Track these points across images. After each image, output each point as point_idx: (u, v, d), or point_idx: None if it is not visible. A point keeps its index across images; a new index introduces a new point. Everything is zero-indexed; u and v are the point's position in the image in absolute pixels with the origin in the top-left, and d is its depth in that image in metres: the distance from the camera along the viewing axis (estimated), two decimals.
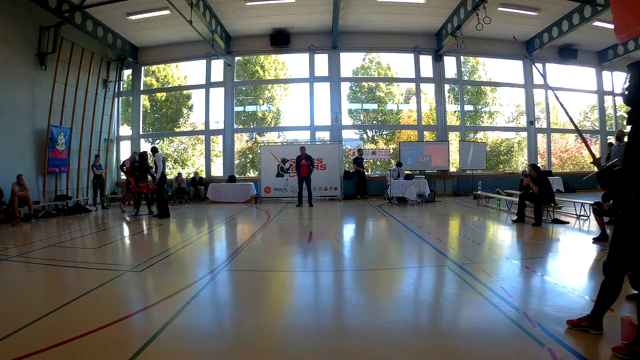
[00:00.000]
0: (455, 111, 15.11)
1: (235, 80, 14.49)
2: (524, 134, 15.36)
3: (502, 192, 10.57)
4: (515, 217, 7.26)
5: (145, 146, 14.96)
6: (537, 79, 14.69)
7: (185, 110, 16.35)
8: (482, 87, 16.25)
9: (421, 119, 14.39)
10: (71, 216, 9.70)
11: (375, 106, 16.47)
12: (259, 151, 13.27)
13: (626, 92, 2.31)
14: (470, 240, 5.63)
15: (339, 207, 10.82)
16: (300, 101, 15.00)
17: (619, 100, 15.32)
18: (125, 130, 14.90)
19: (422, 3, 11.70)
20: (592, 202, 5.65)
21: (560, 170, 15.54)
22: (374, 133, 16.57)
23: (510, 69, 15.20)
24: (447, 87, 14.45)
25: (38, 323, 2.73)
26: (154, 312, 2.98)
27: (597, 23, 11.60)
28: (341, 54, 14.06)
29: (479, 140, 15.48)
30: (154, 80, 15.98)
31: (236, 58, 14.38)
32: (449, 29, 12.39)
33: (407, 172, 11.80)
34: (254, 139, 16.34)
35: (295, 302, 3.32)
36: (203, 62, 14.16)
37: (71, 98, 11.13)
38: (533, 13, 11.83)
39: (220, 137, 14.67)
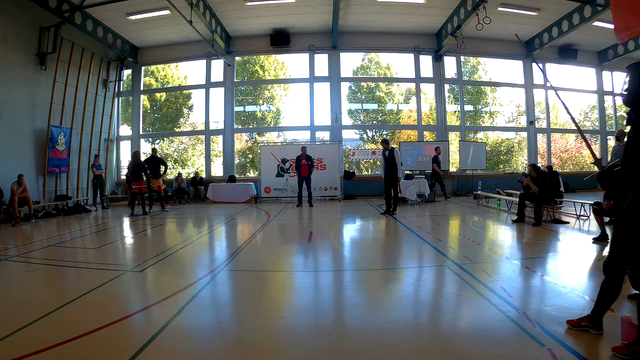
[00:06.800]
0: (455, 111, 15.10)
1: (235, 80, 14.49)
2: (524, 134, 15.36)
3: (502, 192, 10.57)
4: (515, 217, 7.27)
5: (145, 146, 14.98)
6: (537, 79, 14.69)
7: (185, 110, 16.35)
8: (482, 87, 16.26)
9: (421, 119, 14.39)
10: (71, 216, 9.70)
11: (375, 106, 16.47)
12: (259, 151, 13.27)
13: (625, 93, 2.32)
14: (470, 240, 5.62)
15: (339, 207, 10.82)
16: (300, 101, 15.01)
17: (619, 100, 15.32)
18: (125, 130, 14.90)
19: (422, 3, 11.70)
20: (592, 202, 5.64)
21: (560, 170, 15.51)
22: (374, 133, 16.56)
23: (510, 69, 15.21)
24: (447, 87, 14.45)
25: (38, 323, 2.73)
26: (154, 312, 2.98)
27: (597, 23, 11.60)
28: (341, 54, 14.06)
29: (479, 140, 15.48)
30: (153, 80, 15.98)
31: (236, 58, 14.38)
32: (449, 29, 12.39)
33: (407, 172, 11.80)
34: (253, 139, 16.34)
35: (295, 302, 3.32)
36: (203, 62, 14.15)
37: (71, 98, 11.13)
38: (533, 13, 11.83)
39: (220, 137, 14.67)
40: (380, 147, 8.94)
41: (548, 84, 14.48)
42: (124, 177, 14.25)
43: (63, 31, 10.27)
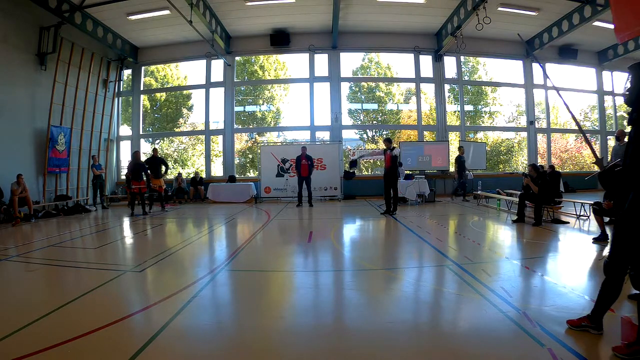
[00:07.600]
0: (455, 111, 15.10)
1: (235, 80, 14.49)
2: (524, 134, 15.36)
3: (502, 192, 10.57)
4: (515, 217, 7.27)
5: (145, 146, 14.99)
6: (537, 79, 14.69)
7: (185, 110, 16.34)
8: (482, 87, 16.25)
9: (421, 119, 14.39)
10: (71, 216, 9.70)
11: (375, 106, 16.47)
12: (259, 151, 13.27)
13: (627, 93, 2.32)
14: (470, 240, 5.62)
15: (339, 207, 10.82)
16: (300, 101, 15.01)
17: (619, 100, 15.33)
18: (125, 130, 14.91)
19: (422, 3, 11.70)
20: (592, 202, 5.64)
21: (560, 170, 15.51)
22: (374, 133, 16.56)
23: (510, 69, 15.21)
24: (447, 87, 14.45)
25: (38, 323, 2.72)
26: (154, 312, 2.98)
27: (597, 23, 11.59)
28: (341, 54, 14.06)
29: (479, 140, 15.48)
30: (153, 80, 15.97)
31: (236, 58, 14.38)
32: (449, 29, 12.39)
33: (407, 172, 11.80)
34: (253, 139, 16.34)
35: (295, 302, 3.32)
36: (203, 62, 14.15)
37: (71, 98, 11.13)
38: (533, 13, 11.83)
39: (220, 137, 14.67)
40: (383, 145, 9.01)
41: (549, 83, 14.48)
42: (123, 177, 14.29)
43: (63, 31, 10.26)
